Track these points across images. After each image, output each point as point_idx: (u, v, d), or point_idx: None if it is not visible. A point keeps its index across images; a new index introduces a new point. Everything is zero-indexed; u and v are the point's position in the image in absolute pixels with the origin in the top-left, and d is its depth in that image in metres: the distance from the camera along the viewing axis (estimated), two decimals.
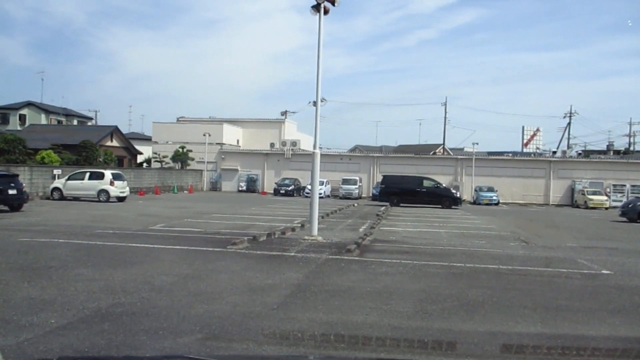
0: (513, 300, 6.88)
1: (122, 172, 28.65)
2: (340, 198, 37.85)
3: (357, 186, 39.79)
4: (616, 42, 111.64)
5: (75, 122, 55.42)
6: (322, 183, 33.95)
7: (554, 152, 51.04)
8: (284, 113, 55.77)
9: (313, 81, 13.46)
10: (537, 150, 59.68)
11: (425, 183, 31.74)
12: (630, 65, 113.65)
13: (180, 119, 52.49)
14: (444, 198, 30.73)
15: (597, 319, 6.03)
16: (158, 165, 43.25)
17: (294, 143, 46.02)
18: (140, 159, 47.68)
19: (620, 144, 64.50)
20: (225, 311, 5.79)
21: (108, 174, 25.67)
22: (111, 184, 25.00)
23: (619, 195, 38.50)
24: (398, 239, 13.56)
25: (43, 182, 26.69)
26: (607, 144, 62.81)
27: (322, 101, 14.94)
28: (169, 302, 6.20)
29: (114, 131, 44.12)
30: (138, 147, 47.66)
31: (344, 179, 40.13)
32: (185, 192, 40.42)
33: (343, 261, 9.54)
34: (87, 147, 34.45)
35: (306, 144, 47.67)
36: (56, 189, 25.55)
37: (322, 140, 54.74)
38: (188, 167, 44.90)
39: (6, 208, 18.18)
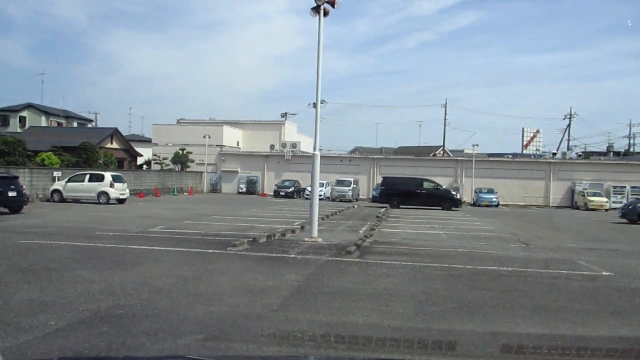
0: (513, 301, 6.88)
1: (122, 174, 28.64)
2: (332, 200, 36.61)
3: (350, 187, 37.70)
4: (615, 43, 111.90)
5: (75, 124, 55.41)
6: (322, 185, 33.64)
7: (554, 154, 51.02)
8: (284, 115, 55.86)
9: (313, 83, 13.50)
10: (537, 152, 59.66)
11: (425, 185, 31.75)
12: (630, 66, 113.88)
13: (180, 121, 52.50)
14: (444, 200, 30.73)
15: (597, 320, 6.02)
16: (158, 167, 43.25)
17: (294, 145, 46.01)
18: (140, 160, 47.66)
19: (620, 145, 64.67)
20: (225, 312, 5.79)
21: (108, 176, 25.67)
22: (111, 186, 24.99)
23: (619, 196, 38.49)
24: (398, 241, 13.55)
25: (43, 184, 26.68)
26: (607, 145, 63.02)
27: (322, 103, 14.96)
28: (169, 303, 6.20)
29: (114, 133, 44.09)
30: (138, 149, 47.65)
31: (337, 180, 38.53)
32: (185, 194, 40.41)
33: (343, 263, 9.53)
34: (87, 149, 34.41)
35: (306, 146, 47.68)
36: (56, 191, 25.54)
37: (322, 141, 54.81)
38: (188, 169, 44.89)
39: (6, 210, 18.17)
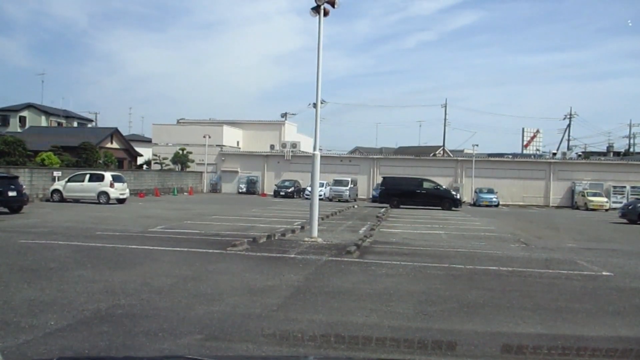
0: (513, 301, 6.87)
1: (122, 174, 28.65)
2: (329, 200, 35.71)
3: (347, 187, 37.03)
4: (615, 43, 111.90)
5: (75, 124, 55.41)
6: (322, 185, 33.30)
7: (554, 154, 51.03)
8: (284, 115, 55.89)
9: (313, 83, 13.50)
10: (537, 152, 59.66)
11: (425, 185, 31.75)
12: (630, 66, 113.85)
13: (180, 121, 52.51)
14: (444, 200, 30.73)
15: (597, 320, 6.02)
16: (158, 167, 43.24)
17: (294, 145, 46.01)
18: (140, 160, 47.66)
19: (620, 145, 64.65)
20: (225, 312, 5.79)
21: (108, 175, 25.66)
22: (111, 185, 24.98)
23: (619, 196, 38.46)
24: (398, 241, 13.55)
25: (43, 184, 26.68)
26: (607, 145, 63.01)
27: (322, 103, 14.96)
28: (169, 303, 6.20)
29: (114, 133, 44.09)
30: (138, 149, 47.64)
31: (335, 180, 37.79)
32: (185, 194, 40.41)
33: (343, 263, 9.53)
34: (87, 149, 34.41)
35: (306, 146, 47.68)
36: (56, 190, 25.53)
37: (322, 141, 54.75)
38: (188, 169, 44.89)
39: (6, 210, 18.17)
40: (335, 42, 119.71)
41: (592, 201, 36.73)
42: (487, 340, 5.08)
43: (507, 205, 39.39)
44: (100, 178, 25.35)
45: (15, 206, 18.50)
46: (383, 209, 26.27)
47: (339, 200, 35.66)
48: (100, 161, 35.12)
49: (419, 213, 26.02)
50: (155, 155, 44.83)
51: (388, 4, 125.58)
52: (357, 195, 39.70)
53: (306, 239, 12.52)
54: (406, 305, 6.39)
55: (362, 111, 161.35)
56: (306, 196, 33.37)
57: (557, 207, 40.54)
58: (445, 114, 55.59)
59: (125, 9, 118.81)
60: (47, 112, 52.42)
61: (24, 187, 19.80)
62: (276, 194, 39.81)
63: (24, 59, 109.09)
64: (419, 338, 5.08)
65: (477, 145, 48.11)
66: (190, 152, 44.44)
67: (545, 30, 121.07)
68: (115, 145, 43.28)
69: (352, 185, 38.23)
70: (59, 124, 53.01)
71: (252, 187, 44.09)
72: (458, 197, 33.55)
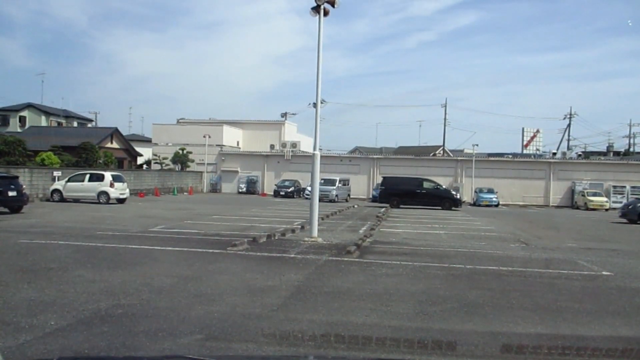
0: (513, 301, 6.87)
1: (122, 173, 28.63)
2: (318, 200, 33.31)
3: (335, 187, 35.43)
4: (615, 43, 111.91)
5: (75, 124, 55.40)
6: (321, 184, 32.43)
7: (554, 154, 51.04)
8: (284, 114, 55.91)
9: (313, 83, 13.49)
10: (537, 152, 59.69)
11: (425, 184, 31.73)
12: (630, 66, 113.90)
13: (180, 121, 52.51)
14: (444, 199, 30.72)
15: (598, 320, 6.02)
16: (158, 167, 43.23)
17: (294, 144, 45.99)
18: (140, 160, 47.67)
19: (620, 145, 64.70)
20: (225, 312, 5.79)
21: (108, 175, 25.66)
22: (111, 185, 24.98)
23: (619, 196, 38.45)
24: (398, 241, 13.55)
25: (43, 183, 26.67)
26: (607, 145, 63.05)
27: (322, 103, 14.96)
28: (169, 303, 6.19)
29: (114, 133, 44.09)
30: (138, 149, 47.64)
31: (324, 179, 34.49)
32: (185, 193, 40.40)
33: (343, 262, 9.53)
34: (87, 148, 34.40)
35: (306, 146, 47.68)
36: (56, 190, 25.54)
37: (322, 141, 54.84)
38: (188, 169, 44.89)
39: (6, 210, 18.17)
40: (335, 42, 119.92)
41: (592, 201, 36.73)
42: (487, 340, 5.08)
43: (507, 205, 39.38)
44: (100, 178, 25.34)
45: (15, 206, 18.50)
46: (383, 209, 26.27)
47: (330, 201, 34.14)
48: (100, 161, 35.11)
49: (419, 213, 26.02)
50: (155, 155, 44.82)
51: (388, 4, 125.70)
52: (349, 195, 38.48)
53: (306, 238, 12.51)
54: (406, 305, 6.39)
55: (362, 111, 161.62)
56: (306, 196, 33.20)
57: (557, 207, 40.54)
58: (445, 114, 55.69)
59: (125, 9, 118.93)
60: (47, 112, 52.42)
61: (24, 187, 19.76)
62: (276, 193, 39.77)
63: (24, 59, 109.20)
64: (419, 338, 5.08)
65: (477, 145, 48.21)
66: (190, 152, 44.43)
67: (545, 30, 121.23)
68: (115, 145, 43.28)
69: (340, 185, 36.71)
70: (59, 123, 53.00)
71: (252, 187, 44.08)
72: (458, 197, 33.53)
